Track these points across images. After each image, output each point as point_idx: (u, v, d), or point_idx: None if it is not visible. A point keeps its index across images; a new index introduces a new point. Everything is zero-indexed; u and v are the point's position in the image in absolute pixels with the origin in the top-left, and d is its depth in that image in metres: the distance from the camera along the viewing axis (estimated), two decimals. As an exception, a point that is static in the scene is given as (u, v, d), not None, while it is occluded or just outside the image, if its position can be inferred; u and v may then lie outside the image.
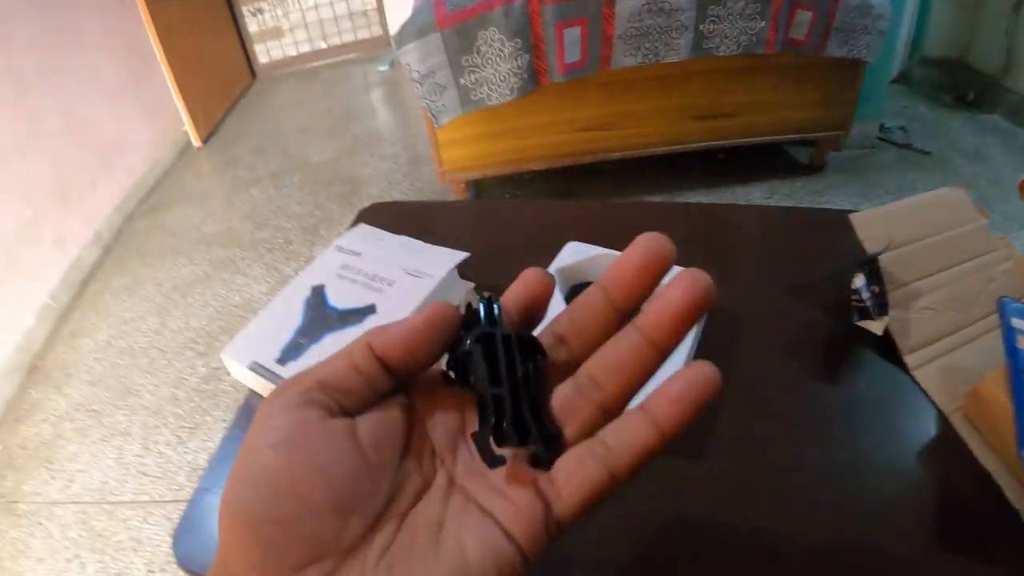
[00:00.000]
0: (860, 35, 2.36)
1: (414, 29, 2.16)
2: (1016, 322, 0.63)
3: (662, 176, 2.84)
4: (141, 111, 3.60)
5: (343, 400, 0.29)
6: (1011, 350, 0.62)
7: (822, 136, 2.72)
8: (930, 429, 0.64)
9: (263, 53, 4.89)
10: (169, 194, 3.49)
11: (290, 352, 0.73)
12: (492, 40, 2.17)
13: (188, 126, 3.87)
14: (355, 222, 1.01)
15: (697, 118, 2.56)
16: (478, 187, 2.92)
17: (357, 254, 0.84)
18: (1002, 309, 0.65)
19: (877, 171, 2.82)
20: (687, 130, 2.59)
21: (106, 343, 2.42)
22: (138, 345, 2.38)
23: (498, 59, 2.20)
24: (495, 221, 1.07)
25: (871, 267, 0.71)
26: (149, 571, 1.68)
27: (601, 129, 2.54)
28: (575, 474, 0.27)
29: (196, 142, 3.90)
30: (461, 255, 0.81)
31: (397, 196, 3.04)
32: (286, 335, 0.74)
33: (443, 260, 0.80)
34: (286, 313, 0.77)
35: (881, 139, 2.98)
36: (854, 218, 0.75)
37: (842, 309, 0.73)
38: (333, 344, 0.72)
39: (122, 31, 3.51)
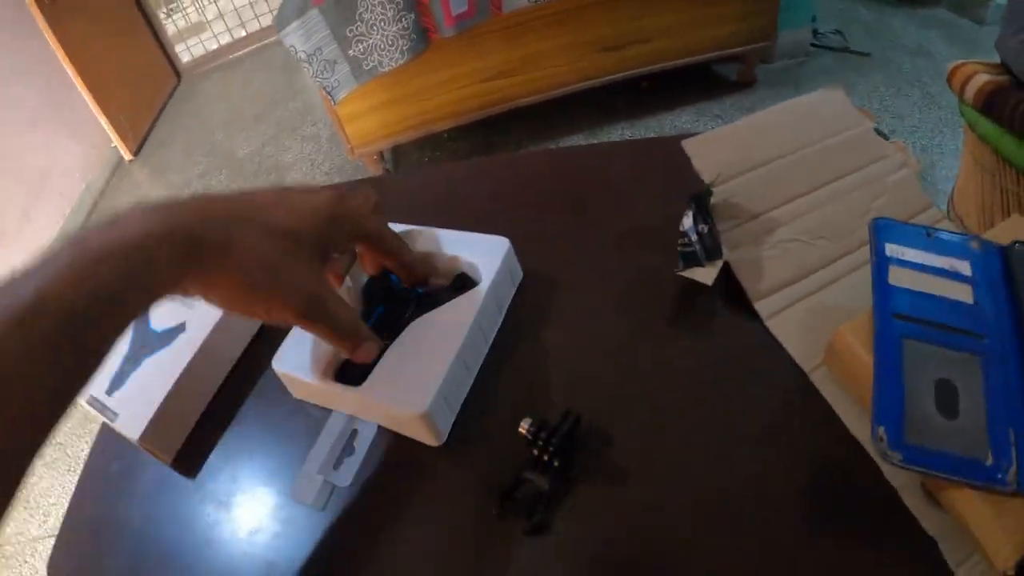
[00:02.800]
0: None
1: (292, 9, 2.09)
2: (892, 249, 0.50)
3: (585, 114, 2.79)
4: (67, 135, 3.55)
5: None
6: (881, 287, 0.48)
7: (747, 50, 2.61)
8: (793, 390, 0.53)
9: (184, 52, 4.78)
10: (107, 213, 3.44)
11: (117, 381, 0.71)
12: (373, 5, 2.09)
13: (116, 141, 3.80)
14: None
15: (606, 50, 2.48)
16: (396, 154, 2.87)
17: (179, 270, 0.83)
18: (874, 233, 0.51)
19: (812, 79, 2.75)
20: (598, 64, 2.51)
21: (59, 373, 2.42)
22: (89, 371, 2.39)
23: (383, 23, 2.13)
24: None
25: (698, 202, 0.59)
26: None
27: (505, 77, 2.47)
28: None
29: (127, 155, 3.84)
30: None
31: (320, 178, 3.01)
32: (116, 363, 0.73)
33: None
34: (122, 340, 0.76)
35: (816, 45, 2.89)
36: (687, 144, 0.64)
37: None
38: (150, 368, 0.71)
39: (32, 57, 3.43)
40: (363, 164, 2.73)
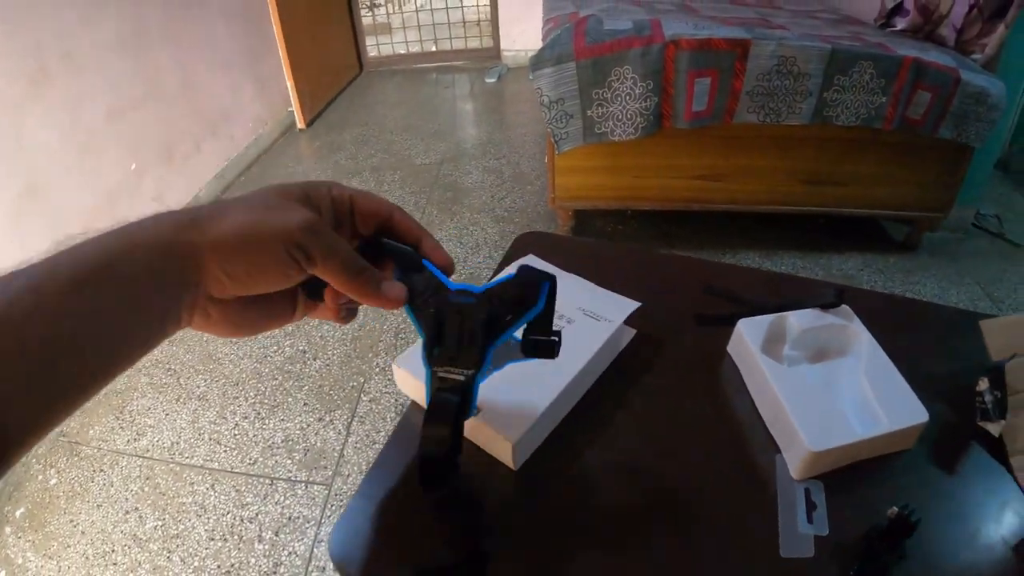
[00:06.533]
0: (972, 122, 2.35)
1: (551, 55, 2.20)
2: None
3: (757, 232, 2.85)
4: (253, 85, 3.72)
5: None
6: None
7: (921, 216, 2.70)
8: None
9: (373, 47, 4.99)
10: (268, 170, 3.59)
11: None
12: (625, 78, 2.21)
13: (295, 106, 3.96)
14: (513, 246, 1.02)
15: (806, 182, 2.57)
16: (580, 217, 2.93)
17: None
18: None
19: (968, 258, 2.78)
20: (794, 192, 2.60)
21: (194, 306, 2.47)
22: (225, 314, 2.43)
23: (628, 97, 2.24)
24: (640, 268, 1.05)
25: (996, 374, 0.75)
26: (210, 538, 1.69)
27: (712, 180, 2.56)
28: None
29: (300, 123, 4.00)
30: (634, 304, 0.83)
31: (500, 212, 3.07)
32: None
33: (618, 307, 0.82)
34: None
35: (975, 225, 2.94)
36: (983, 325, 0.79)
37: (960, 408, 0.76)
38: (515, 372, 0.71)
39: (245, 5, 3.63)
40: (555, 214, 2.82)
